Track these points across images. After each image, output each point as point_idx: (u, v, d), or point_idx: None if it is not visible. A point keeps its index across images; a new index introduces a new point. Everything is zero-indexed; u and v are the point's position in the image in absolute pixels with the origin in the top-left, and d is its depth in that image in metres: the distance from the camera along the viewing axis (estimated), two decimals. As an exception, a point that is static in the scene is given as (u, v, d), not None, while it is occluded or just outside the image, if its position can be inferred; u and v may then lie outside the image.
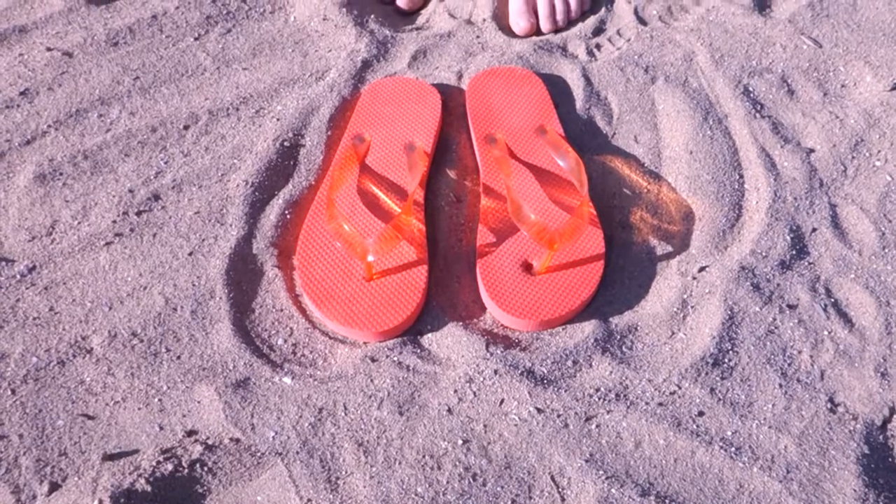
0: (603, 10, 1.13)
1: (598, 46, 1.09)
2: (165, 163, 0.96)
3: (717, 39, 1.08)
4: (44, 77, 1.04)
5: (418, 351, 0.83)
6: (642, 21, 1.12)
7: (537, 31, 1.12)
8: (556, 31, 1.12)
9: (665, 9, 1.13)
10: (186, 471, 0.75)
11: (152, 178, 0.94)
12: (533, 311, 0.83)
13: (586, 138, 0.99)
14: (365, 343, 0.84)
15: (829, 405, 0.79)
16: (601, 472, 0.74)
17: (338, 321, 0.83)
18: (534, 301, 0.84)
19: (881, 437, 0.78)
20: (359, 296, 0.84)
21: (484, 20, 1.13)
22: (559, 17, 1.12)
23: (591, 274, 0.86)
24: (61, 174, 0.95)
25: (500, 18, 1.14)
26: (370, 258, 0.83)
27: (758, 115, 1.00)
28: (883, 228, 0.91)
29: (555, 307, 0.84)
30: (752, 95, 1.03)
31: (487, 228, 0.89)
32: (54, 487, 0.74)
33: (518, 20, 1.12)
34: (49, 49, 1.07)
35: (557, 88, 1.03)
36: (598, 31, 1.11)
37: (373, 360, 0.82)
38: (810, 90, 1.03)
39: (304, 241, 0.88)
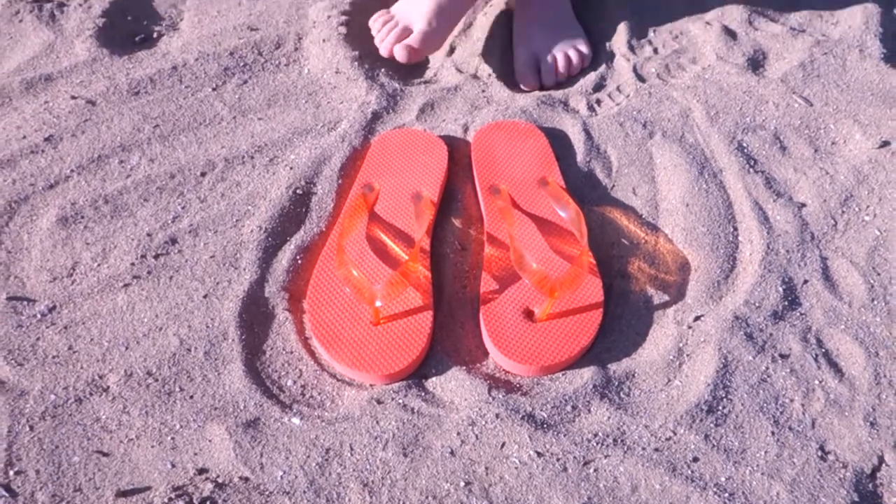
0: (603, 66, 1.18)
1: (598, 102, 1.13)
2: (183, 208, 1.00)
3: (712, 97, 1.13)
4: (68, 124, 1.08)
5: (423, 394, 0.86)
6: (641, 78, 1.16)
7: (541, 86, 1.17)
8: (558, 85, 1.16)
9: (663, 67, 1.18)
10: (197, 508, 0.78)
11: (170, 222, 0.98)
12: (534, 356, 0.86)
13: (586, 190, 1.03)
14: (371, 385, 0.87)
15: (819, 453, 0.82)
16: (598, 515, 0.77)
17: (346, 364, 0.86)
18: (535, 347, 0.87)
19: (870, 485, 0.80)
20: (366, 340, 0.87)
21: (489, 75, 1.17)
22: (561, 70, 1.17)
23: (591, 322, 0.89)
24: (83, 217, 0.99)
25: (505, 74, 1.19)
26: (378, 303, 0.87)
27: (751, 170, 1.04)
28: (872, 281, 0.95)
29: (555, 353, 0.87)
30: (745, 151, 1.07)
31: (490, 276, 0.93)
32: (69, 522, 0.76)
33: (524, 75, 1.17)
34: (73, 97, 1.12)
35: (559, 141, 1.07)
36: (599, 87, 1.16)
37: (379, 402, 0.85)
38: (802, 147, 1.08)
39: (314, 286, 0.92)
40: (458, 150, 1.07)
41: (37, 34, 1.22)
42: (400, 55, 1.12)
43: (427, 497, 0.78)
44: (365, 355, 0.86)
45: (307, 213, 1.00)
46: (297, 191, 1.01)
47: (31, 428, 0.82)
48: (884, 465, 0.81)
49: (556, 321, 0.89)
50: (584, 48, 1.19)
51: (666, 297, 0.94)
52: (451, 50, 1.22)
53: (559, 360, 0.87)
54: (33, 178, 1.02)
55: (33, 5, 1.25)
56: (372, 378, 0.86)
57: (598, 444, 0.82)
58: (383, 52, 1.16)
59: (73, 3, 1.26)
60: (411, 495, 0.78)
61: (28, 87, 1.13)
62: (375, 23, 1.20)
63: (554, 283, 0.87)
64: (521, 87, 1.17)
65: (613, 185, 1.04)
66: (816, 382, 0.87)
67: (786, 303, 0.92)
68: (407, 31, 1.15)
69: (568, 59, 1.18)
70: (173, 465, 0.80)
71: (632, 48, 1.20)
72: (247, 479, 0.79)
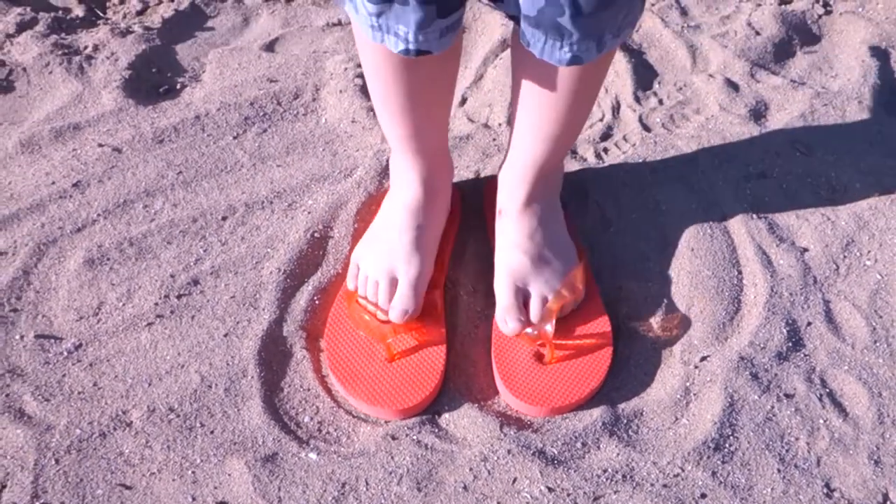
0: (610, 116, 1.23)
1: (605, 150, 1.17)
2: (204, 251, 1.03)
3: (716, 146, 1.17)
4: (95, 170, 1.13)
5: (436, 430, 0.88)
6: (646, 128, 1.20)
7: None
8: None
9: (667, 117, 1.22)
10: (216, 540, 0.80)
11: (192, 264, 1.02)
12: (544, 398, 0.89)
13: (594, 234, 1.07)
14: (386, 422, 0.89)
15: (825, 490, 0.83)
16: (608, 550, 0.78)
17: (361, 399, 0.89)
18: (545, 389, 0.89)
19: (875, 521, 0.82)
20: (381, 376, 0.90)
21: (500, 124, 1.22)
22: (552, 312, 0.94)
23: (600, 364, 0.92)
24: (108, 259, 1.02)
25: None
26: (389, 339, 0.90)
27: (755, 216, 1.08)
28: (874, 324, 0.97)
29: (565, 395, 0.89)
30: (749, 198, 1.10)
31: (500, 332, 0.95)
32: (92, 553, 0.78)
33: (506, 319, 0.94)
34: (100, 145, 1.17)
35: (568, 188, 1.11)
36: (606, 136, 1.20)
37: (393, 438, 0.87)
38: (803, 194, 1.11)
39: (331, 325, 0.95)
40: (471, 195, 1.11)
41: (66, 85, 1.27)
42: (398, 319, 0.94)
43: (441, 531, 0.80)
44: (380, 391, 0.89)
45: (324, 255, 1.03)
46: (315, 234, 1.05)
47: (57, 461, 0.85)
48: (888, 502, 0.83)
49: (566, 363, 0.92)
50: (580, 283, 0.96)
51: (673, 339, 0.96)
52: (464, 100, 1.27)
53: (569, 402, 0.89)
54: (61, 222, 1.06)
55: (63, 58, 1.30)
56: (386, 413, 0.88)
57: (607, 479, 0.84)
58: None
59: (101, 56, 1.32)
60: (425, 529, 0.80)
61: (57, 136, 1.18)
62: (358, 283, 0.98)
63: (535, 336, 0.91)
64: (505, 333, 0.94)
65: (620, 230, 1.07)
66: (821, 421, 0.89)
67: (790, 344, 0.95)
68: (394, 284, 0.95)
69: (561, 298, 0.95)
70: (194, 499, 0.82)
71: (637, 99, 1.25)
72: (265, 513, 0.81)
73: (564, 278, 0.95)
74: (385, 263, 0.96)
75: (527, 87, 0.87)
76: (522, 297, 0.95)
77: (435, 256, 0.98)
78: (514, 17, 0.79)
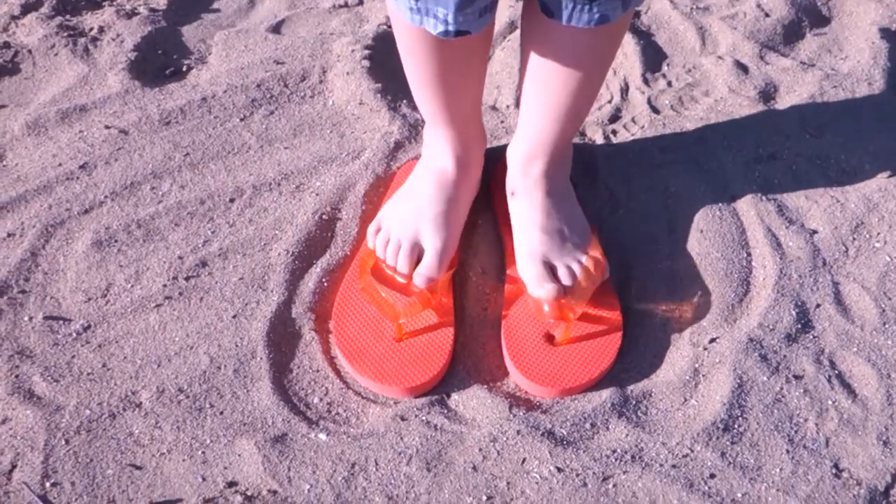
0: (619, 98, 1.22)
1: (614, 132, 1.17)
2: (212, 232, 1.03)
3: (725, 127, 1.16)
4: (101, 152, 1.13)
5: (445, 411, 0.88)
6: (655, 110, 1.20)
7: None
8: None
9: (676, 99, 1.21)
10: (227, 519, 0.80)
11: (200, 246, 1.02)
12: (554, 379, 0.89)
13: (604, 216, 1.06)
14: (395, 403, 0.89)
15: (834, 471, 0.83)
16: (618, 530, 0.79)
17: (369, 377, 0.89)
18: (556, 370, 0.89)
19: (884, 502, 0.82)
20: (390, 354, 0.90)
21: (507, 106, 1.21)
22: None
23: (610, 345, 0.92)
24: (116, 241, 1.02)
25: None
26: (401, 320, 0.90)
27: (764, 197, 1.07)
28: (883, 305, 0.97)
29: (575, 376, 0.89)
30: (758, 180, 1.10)
31: (511, 300, 0.95)
32: (103, 532, 0.79)
33: (542, 285, 0.93)
34: (107, 127, 1.16)
35: (576, 169, 1.11)
36: (615, 118, 1.19)
37: (403, 419, 0.87)
38: (813, 175, 1.11)
39: (340, 304, 0.95)
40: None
41: (71, 67, 1.26)
42: (422, 284, 0.94)
43: (450, 511, 0.80)
44: (388, 369, 0.89)
45: (332, 237, 1.03)
46: (323, 216, 1.05)
47: (67, 442, 0.85)
48: (898, 483, 0.83)
49: (576, 345, 0.92)
50: (601, 256, 0.96)
51: (681, 320, 0.96)
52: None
53: (579, 383, 0.89)
54: (69, 204, 1.06)
55: (68, 40, 1.30)
56: (395, 392, 0.88)
57: (616, 460, 0.84)
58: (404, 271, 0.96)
59: (107, 38, 1.31)
60: (435, 509, 0.80)
61: (63, 118, 1.18)
62: (377, 242, 0.98)
63: (566, 306, 0.90)
64: (541, 298, 0.93)
65: (629, 211, 1.07)
66: (830, 402, 0.89)
67: (799, 326, 0.95)
68: (416, 250, 0.95)
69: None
70: (204, 479, 0.83)
71: (646, 81, 1.24)
72: (275, 492, 0.82)
73: (586, 252, 0.95)
74: (411, 230, 0.96)
75: (538, 62, 0.87)
76: (549, 271, 0.94)
77: (461, 230, 0.99)
78: None
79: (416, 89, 0.93)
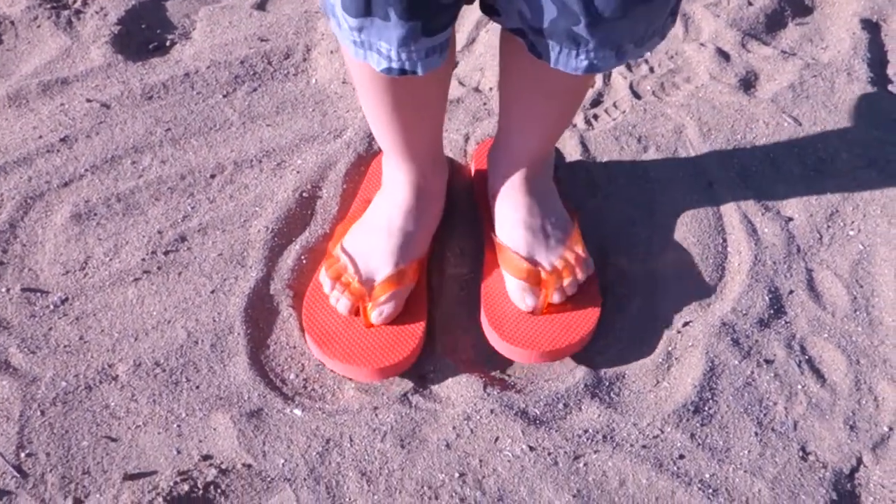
0: (601, 84, 1.23)
1: (595, 117, 1.18)
2: (192, 208, 1.03)
3: (705, 114, 1.17)
4: (83, 126, 1.12)
5: (420, 390, 0.89)
6: (637, 95, 1.21)
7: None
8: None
9: (658, 85, 1.22)
10: (201, 492, 0.81)
11: (180, 221, 1.02)
12: (534, 342, 0.89)
13: (583, 201, 1.07)
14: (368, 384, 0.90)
15: (801, 453, 0.85)
16: (587, 507, 0.80)
17: (337, 359, 0.88)
18: (535, 334, 0.90)
19: (849, 485, 0.83)
20: (360, 337, 0.90)
21: (490, 88, 1.22)
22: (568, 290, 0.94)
23: (589, 315, 0.92)
24: (95, 214, 1.02)
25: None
26: (369, 304, 0.90)
27: (741, 184, 1.08)
28: (855, 293, 0.98)
29: (555, 340, 0.89)
30: (736, 166, 1.11)
31: (491, 266, 0.96)
32: (78, 503, 0.79)
33: (524, 298, 0.92)
34: (88, 100, 1.16)
35: (558, 154, 1.11)
36: (596, 102, 1.20)
37: (378, 396, 0.88)
38: (790, 164, 1.12)
39: (313, 290, 0.95)
40: (456, 165, 1.11)
41: (54, 39, 1.26)
42: (381, 321, 0.91)
43: (423, 487, 0.81)
44: (357, 350, 0.89)
45: (312, 215, 1.04)
46: (303, 194, 1.05)
47: (43, 413, 0.85)
48: (862, 466, 0.85)
49: (555, 315, 0.92)
50: (582, 251, 0.96)
51: (656, 303, 0.97)
52: (455, 64, 1.26)
53: (559, 346, 0.89)
54: (48, 176, 1.06)
55: (51, 12, 1.29)
56: (364, 373, 0.88)
57: (588, 440, 0.85)
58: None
59: (90, 11, 1.30)
60: (407, 485, 0.81)
61: (45, 90, 1.17)
62: (328, 278, 0.94)
63: (545, 279, 0.91)
64: (519, 307, 0.93)
65: (608, 196, 1.08)
66: (799, 387, 0.90)
67: (771, 311, 0.96)
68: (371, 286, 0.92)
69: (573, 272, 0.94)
70: (179, 452, 0.83)
71: (628, 66, 1.25)
72: (249, 466, 0.82)
73: (570, 248, 0.95)
74: (366, 267, 0.92)
75: (517, 91, 0.86)
76: (535, 276, 0.92)
77: (420, 261, 0.95)
78: (517, 30, 0.76)
79: (371, 123, 0.89)
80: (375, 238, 0.93)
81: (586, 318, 0.92)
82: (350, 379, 0.90)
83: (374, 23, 0.70)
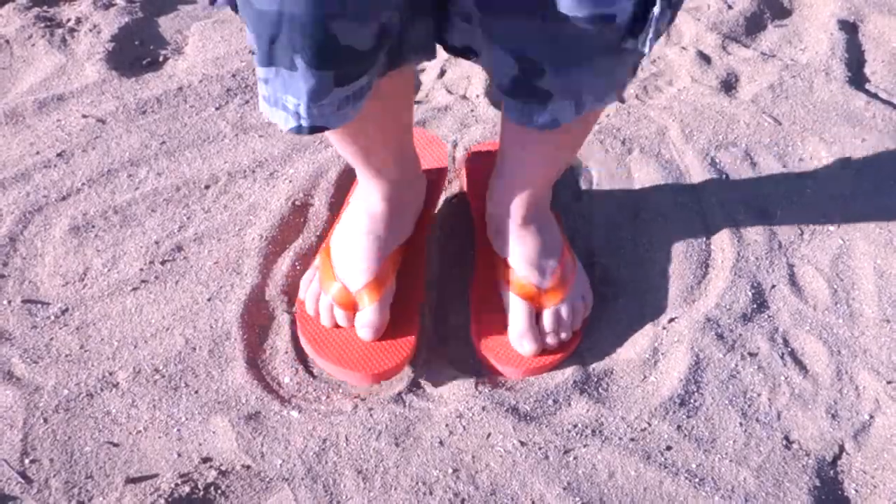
0: (585, 88, 1.25)
1: (580, 121, 1.20)
2: (188, 218, 1.06)
3: (687, 116, 1.20)
4: (79, 140, 1.15)
5: (414, 389, 0.91)
6: (620, 99, 1.23)
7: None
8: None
9: (641, 88, 1.25)
10: (202, 493, 0.83)
11: (176, 231, 1.04)
12: (521, 361, 0.92)
13: (569, 202, 1.10)
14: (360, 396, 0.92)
15: (784, 442, 0.87)
16: (578, 500, 0.82)
17: (332, 362, 0.90)
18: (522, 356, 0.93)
19: (831, 471, 0.86)
20: (353, 340, 0.92)
21: (477, 96, 1.24)
22: (568, 327, 0.95)
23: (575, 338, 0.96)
24: (93, 227, 1.05)
25: (492, 95, 1.26)
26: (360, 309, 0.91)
27: (723, 184, 1.11)
28: (835, 286, 1.01)
29: (540, 359, 0.92)
30: (718, 166, 1.14)
31: (479, 295, 0.98)
32: (82, 506, 0.82)
33: (523, 343, 0.92)
34: (84, 116, 1.18)
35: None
36: (581, 107, 1.23)
37: (372, 397, 0.90)
38: (771, 163, 1.15)
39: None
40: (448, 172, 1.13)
41: (49, 57, 1.28)
42: (369, 336, 0.92)
43: (417, 483, 0.84)
44: (352, 354, 0.91)
45: (305, 222, 1.06)
46: (296, 202, 1.08)
47: (46, 420, 0.87)
48: (844, 453, 0.87)
49: None
50: (589, 296, 0.97)
51: (643, 301, 1.00)
52: (442, 73, 1.29)
53: (545, 364, 0.92)
54: (46, 191, 1.08)
55: (46, 30, 1.31)
56: (359, 378, 0.90)
57: (577, 434, 0.87)
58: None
59: (84, 29, 1.33)
60: (403, 481, 0.84)
61: (41, 107, 1.20)
62: (308, 296, 0.95)
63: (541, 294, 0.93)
64: (524, 354, 0.93)
65: (592, 197, 1.10)
66: (782, 378, 0.93)
67: (754, 306, 0.99)
68: (350, 305, 0.92)
69: (573, 312, 0.95)
70: (179, 455, 0.85)
71: (612, 71, 1.27)
72: (248, 467, 0.84)
73: (573, 290, 0.95)
74: (341, 283, 0.92)
75: (510, 144, 0.88)
76: (535, 317, 0.93)
77: (397, 267, 0.95)
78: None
79: (335, 143, 0.87)
80: (352, 249, 0.93)
81: (573, 340, 0.95)
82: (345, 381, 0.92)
83: (278, 73, 0.63)
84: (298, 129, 0.67)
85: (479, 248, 1.01)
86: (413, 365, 0.94)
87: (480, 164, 1.10)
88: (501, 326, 0.95)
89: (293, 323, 0.96)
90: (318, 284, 0.94)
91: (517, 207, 0.93)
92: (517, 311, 0.93)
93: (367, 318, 0.91)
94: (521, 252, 0.95)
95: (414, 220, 0.99)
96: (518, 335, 0.92)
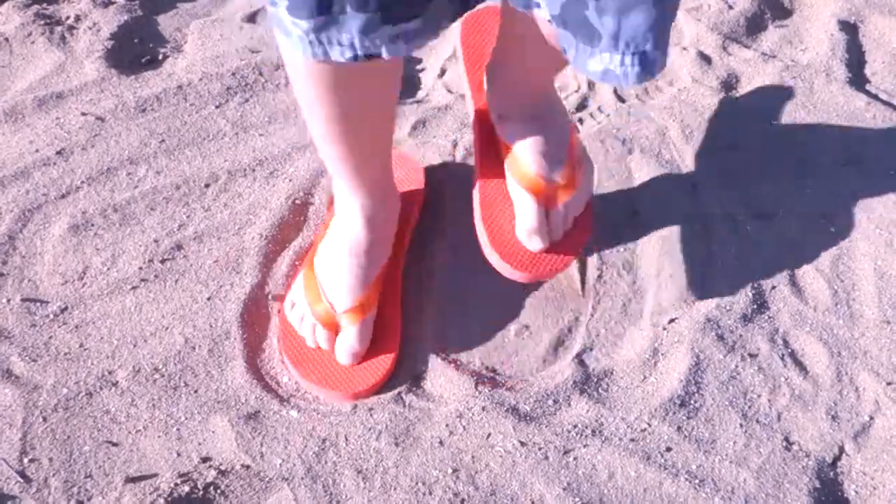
0: (586, 87, 1.25)
1: (580, 120, 1.20)
2: (188, 217, 1.06)
3: (687, 116, 1.20)
4: (78, 139, 1.15)
5: (414, 389, 0.91)
6: (621, 99, 1.23)
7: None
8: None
9: (641, 88, 1.25)
10: (201, 493, 0.83)
11: (175, 230, 1.04)
12: (531, 264, 0.93)
13: (569, 202, 1.10)
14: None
15: (784, 444, 0.87)
16: (577, 500, 0.82)
17: (313, 383, 0.90)
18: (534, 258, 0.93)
19: (831, 473, 0.86)
20: (333, 360, 0.92)
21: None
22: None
23: (580, 236, 0.97)
24: (93, 225, 1.04)
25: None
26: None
27: (723, 184, 1.11)
28: (836, 287, 1.01)
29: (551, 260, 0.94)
30: (719, 167, 1.14)
31: (484, 185, 0.96)
32: (81, 505, 0.81)
33: (532, 239, 0.94)
34: (83, 114, 1.18)
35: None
36: (582, 106, 1.23)
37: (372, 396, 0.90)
38: (771, 163, 1.14)
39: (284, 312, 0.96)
40: (435, 179, 1.12)
41: (48, 55, 1.28)
42: (348, 361, 0.92)
43: (417, 483, 0.84)
44: (332, 374, 0.91)
45: (305, 221, 1.06)
46: (296, 201, 1.07)
47: (45, 419, 0.87)
48: (844, 455, 0.87)
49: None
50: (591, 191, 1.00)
51: (643, 301, 1.00)
52: (442, 72, 1.29)
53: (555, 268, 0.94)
54: (45, 189, 1.08)
55: (45, 28, 1.31)
56: (339, 397, 0.90)
57: (577, 434, 0.87)
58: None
59: (83, 26, 1.33)
60: (402, 481, 0.84)
61: (40, 105, 1.19)
62: (293, 318, 0.96)
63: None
64: (527, 247, 0.94)
65: (594, 198, 1.10)
66: (782, 379, 0.93)
67: (755, 306, 0.99)
68: (332, 326, 0.93)
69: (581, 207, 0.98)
70: (178, 454, 0.85)
71: (612, 71, 1.27)
72: (248, 467, 0.84)
73: (582, 184, 0.96)
74: (324, 305, 0.92)
75: (513, 35, 0.88)
76: (546, 214, 0.94)
77: (378, 289, 0.95)
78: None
79: (317, 139, 0.88)
80: (336, 272, 0.93)
81: (577, 241, 0.96)
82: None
83: (331, 19, 0.69)
84: (355, 58, 0.71)
85: (478, 133, 0.98)
86: (413, 362, 0.94)
87: (476, 31, 1.07)
88: (509, 221, 0.93)
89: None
90: (304, 301, 0.94)
91: (522, 94, 0.93)
92: (526, 206, 0.93)
93: (349, 343, 0.91)
94: (528, 142, 0.93)
95: (391, 240, 0.98)
96: (527, 232, 0.92)
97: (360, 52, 0.71)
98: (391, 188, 0.98)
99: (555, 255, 0.94)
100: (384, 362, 0.92)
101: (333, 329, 0.92)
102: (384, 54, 0.72)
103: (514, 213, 0.94)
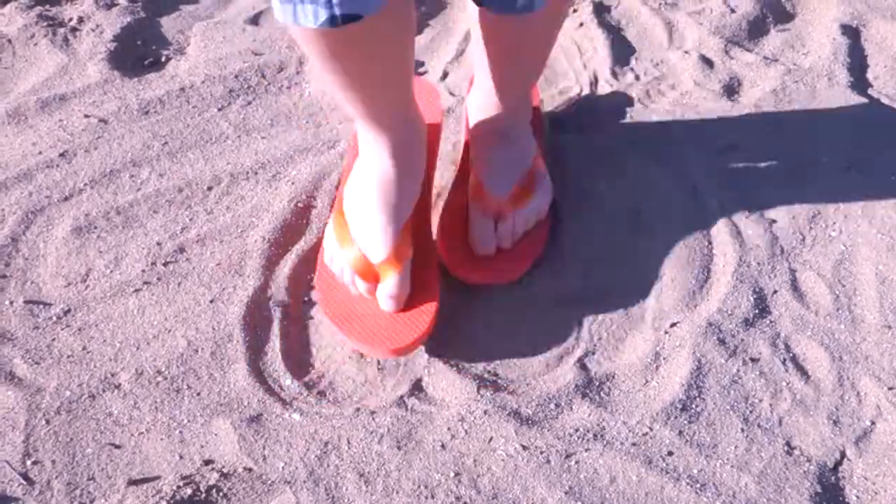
0: (588, 91, 1.25)
1: (581, 122, 1.20)
2: (190, 219, 1.06)
3: (689, 120, 1.20)
4: (81, 141, 1.15)
5: (416, 392, 0.91)
6: (623, 101, 1.23)
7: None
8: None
9: (643, 92, 1.25)
10: (203, 496, 0.83)
11: (178, 232, 1.04)
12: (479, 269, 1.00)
13: (569, 204, 1.10)
14: (364, 384, 0.92)
15: (786, 448, 0.88)
16: (579, 504, 0.82)
17: (356, 340, 0.92)
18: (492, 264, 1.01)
19: (833, 478, 0.86)
20: (375, 315, 0.93)
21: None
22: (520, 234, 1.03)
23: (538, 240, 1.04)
24: (96, 228, 1.04)
25: None
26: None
27: (725, 188, 1.11)
28: (837, 292, 1.01)
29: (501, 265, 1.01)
30: (720, 170, 1.14)
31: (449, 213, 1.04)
32: (83, 508, 0.82)
33: (482, 240, 1.00)
34: (86, 116, 1.18)
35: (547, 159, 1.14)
36: (582, 106, 1.23)
37: (374, 399, 0.90)
38: (773, 167, 1.15)
39: (322, 272, 0.98)
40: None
41: (51, 57, 1.28)
42: (391, 307, 0.93)
43: (419, 487, 0.84)
44: (375, 330, 0.92)
45: (307, 224, 1.06)
46: (299, 204, 1.08)
47: (48, 422, 0.87)
48: (845, 459, 0.87)
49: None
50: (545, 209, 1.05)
51: (644, 305, 1.00)
52: (445, 75, 1.29)
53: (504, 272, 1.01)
54: (48, 191, 1.08)
55: (48, 30, 1.31)
56: (382, 352, 0.91)
57: (579, 438, 0.87)
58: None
59: (86, 28, 1.33)
60: (405, 485, 0.84)
61: (43, 107, 1.20)
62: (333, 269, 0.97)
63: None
64: (477, 252, 1.00)
65: (594, 200, 1.10)
66: (784, 384, 0.93)
67: (756, 311, 0.99)
68: (370, 274, 0.93)
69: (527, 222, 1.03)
70: (181, 457, 0.86)
71: (615, 74, 1.27)
72: (250, 470, 0.85)
73: (532, 201, 1.03)
74: (359, 252, 0.92)
75: (486, 41, 0.93)
76: (494, 225, 1.01)
77: (411, 230, 0.95)
78: None
79: (336, 93, 0.85)
80: (368, 218, 0.93)
81: (536, 243, 1.04)
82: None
83: None
84: (333, 20, 0.68)
85: (459, 171, 1.07)
86: (414, 365, 0.94)
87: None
88: (465, 236, 1.01)
89: (296, 325, 0.96)
90: (338, 250, 0.94)
91: (492, 121, 1.01)
92: (474, 217, 1.00)
93: (391, 290, 0.92)
94: (486, 166, 1.02)
95: (421, 178, 0.98)
96: (470, 238, 1.00)
97: (337, 12, 0.68)
98: (417, 120, 0.95)
99: (501, 262, 1.01)
100: (426, 314, 0.93)
101: (373, 279, 0.93)
102: (365, 11, 0.69)
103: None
